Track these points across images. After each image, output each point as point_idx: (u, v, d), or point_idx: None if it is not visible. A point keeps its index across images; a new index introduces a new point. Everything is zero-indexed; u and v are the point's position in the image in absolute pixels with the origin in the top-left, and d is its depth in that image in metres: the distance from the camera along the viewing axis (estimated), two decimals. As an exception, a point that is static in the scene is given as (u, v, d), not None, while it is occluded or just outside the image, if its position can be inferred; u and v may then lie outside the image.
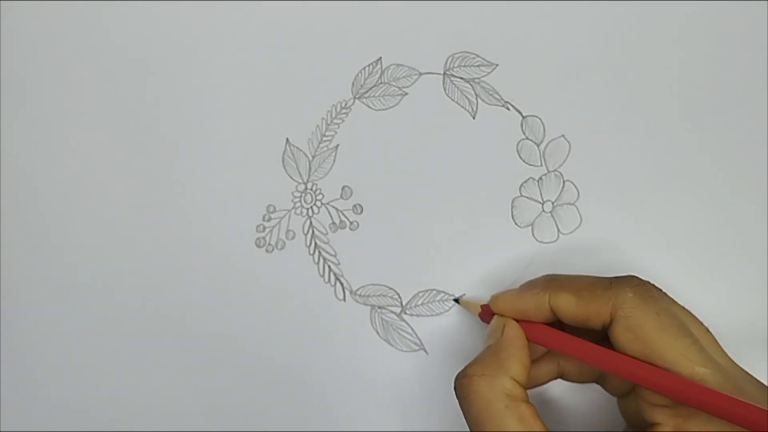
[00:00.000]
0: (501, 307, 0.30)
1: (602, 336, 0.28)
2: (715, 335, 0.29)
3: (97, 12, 0.35)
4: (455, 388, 0.28)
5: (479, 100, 0.34)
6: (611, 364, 0.27)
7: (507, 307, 0.30)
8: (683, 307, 0.29)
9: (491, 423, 0.26)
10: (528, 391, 0.28)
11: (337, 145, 0.34)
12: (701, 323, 0.29)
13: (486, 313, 0.31)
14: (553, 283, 0.29)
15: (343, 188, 0.34)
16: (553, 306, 0.28)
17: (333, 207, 0.34)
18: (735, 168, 0.33)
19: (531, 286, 0.30)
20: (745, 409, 0.24)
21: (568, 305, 0.28)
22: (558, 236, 0.34)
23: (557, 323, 0.29)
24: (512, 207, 0.34)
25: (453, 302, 0.34)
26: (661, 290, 0.29)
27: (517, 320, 0.29)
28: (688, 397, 0.25)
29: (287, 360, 0.34)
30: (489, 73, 0.34)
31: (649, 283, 0.29)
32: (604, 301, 0.27)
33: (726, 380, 0.26)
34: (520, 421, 0.26)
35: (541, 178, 0.34)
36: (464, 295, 0.34)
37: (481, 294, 0.34)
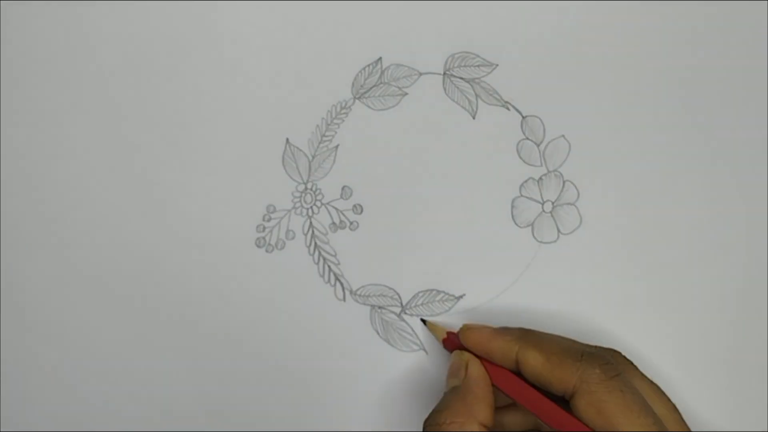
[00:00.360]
0: (469, 341, 0.30)
1: (561, 401, 0.28)
2: (681, 413, 0.29)
3: (96, 12, 0.35)
4: None
5: (479, 100, 0.34)
6: (565, 425, 0.27)
7: (475, 343, 0.30)
8: (652, 383, 0.29)
9: None
10: None
11: (337, 145, 0.34)
12: (668, 400, 0.29)
13: (450, 342, 0.31)
14: (527, 336, 0.29)
15: (343, 188, 0.34)
16: (520, 360, 0.28)
17: (333, 207, 0.34)
18: (735, 167, 0.33)
19: (506, 332, 0.30)
20: None
21: (534, 363, 0.28)
22: (558, 236, 0.34)
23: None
24: (512, 207, 0.34)
25: (421, 320, 0.33)
26: (632, 366, 0.29)
27: (487, 361, 0.29)
28: None
29: (287, 360, 0.34)
30: (489, 73, 0.34)
31: (621, 359, 0.29)
32: (571, 372, 0.27)
33: None
34: None
35: (541, 178, 0.34)
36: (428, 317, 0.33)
37: (481, 295, 0.34)
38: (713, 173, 0.33)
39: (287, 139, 0.34)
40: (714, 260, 0.33)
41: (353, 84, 0.34)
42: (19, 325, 0.36)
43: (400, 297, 0.34)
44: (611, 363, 0.28)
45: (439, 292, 0.34)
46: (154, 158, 0.35)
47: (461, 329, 0.31)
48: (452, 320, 0.33)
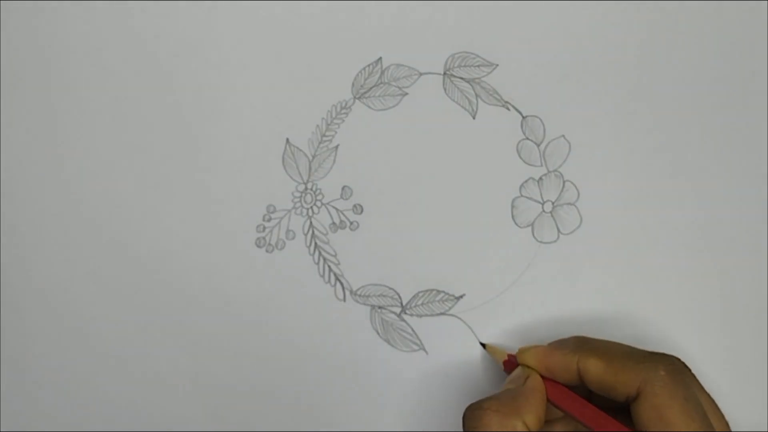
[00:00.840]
0: (528, 361, 0.30)
1: (623, 408, 0.28)
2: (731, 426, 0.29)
3: (97, 13, 0.35)
4: (465, 418, 0.28)
5: (479, 100, 0.34)
6: None
7: (534, 362, 0.29)
8: (710, 396, 0.29)
9: None
10: None
11: (337, 145, 0.34)
12: (722, 416, 0.29)
13: (510, 364, 0.31)
14: (584, 345, 0.29)
15: (343, 188, 0.34)
16: (581, 369, 0.28)
17: (333, 207, 0.34)
18: (735, 167, 0.33)
19: (561, 345, 0.29)
20: None
21: (596, 371, 0.28)
22: (558, 236, 0.34)
23: (580, 387, 0.29)
24: (512, 207, 0.34)
25: (480, 345, 0.33)
26: (692, 374, 0.29)
27: (544, 378, 0.29)
28: None
29: (287, 360, 0.34)
30: (489, 73, 0.34)
31: (682, 366, 0.28)
32: (635, 375, 0.27)
33: None
34: None
35: (541, 178, 0.34)
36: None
37: (481, 295, 0.34)
38: (713, 173, 0.33)
39: (287, 139, 0.34)
40: (714, 260, 0.33)
41: (353, 84, 0.34)
42: (19, 325, 0.36)
43: (400, 297, 0.34)
44: (676, 367, 0.27)
45: (439, 292, 0.34)
46: (154, 158, 0.35)
47: (519, 351, 0.30)
48: (509, 342, 0.33)
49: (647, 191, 0.34)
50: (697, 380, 0.29)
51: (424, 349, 0.34)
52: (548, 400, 0.29)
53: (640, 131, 0.34)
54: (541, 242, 0.34)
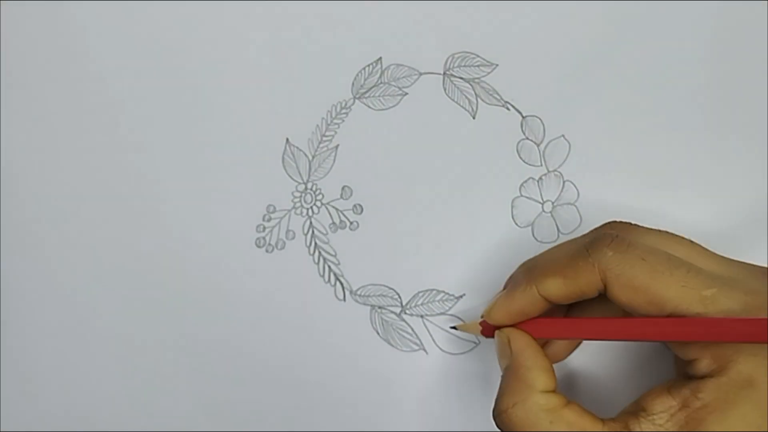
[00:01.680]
0: (496, 317, 0.29)
1: (602, 299, 0.27)
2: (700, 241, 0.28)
3: (96, 12, 0.34)
4: (498, 426, 0.27)
5: (479, 100, 0.34)
6: (621, 332, 0.27)
7: (502, 314, 0.29)
8: (661, 231, 0.28)
9: None
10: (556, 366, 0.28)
11: (337, 145, 0.34)
12: (683, 239, 0.28)
13: (487, 329, 0.30)
14: (533, 272, 0.28)
15: (343, 188, 0.34)
16: (544, 295, 0.28)
17: (333, 207, 0.34)
18: (735, 168, 0.33)
19: (515, 284, 0.29)
20: (750, 324, 0.24)
21: (557, 289, 0.27)
22: (558, 236, 0.34)
23: (558, 307, 0.29)
24: (512, 207, 0.34)
25: (451, 328, 0.33)
26: (634, 226, 0.28)
27: (522, 323, 0.29)
28: (703, 334, 0.25)
29: (287, 360, 0.34)
30: (489, 73, 0.34)
31: (621, 227, 0.28)
32: (590, 270, 0.26)
33: (735, 289, 0.25)
34: (570, 427, 0.26)
35: (541, 178, 0.34)
36: (457, 325, 0.33)
37: (481, 295, 0.34)
38: (713, 173, 0.33)
39: (287, 139, 0.34)
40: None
41: (353, 84, 0.34)
42: (19, 325, 0.36)
43: (400, 297, 0.34)
44: (616, 236, 0.27)
45: (439, 292, 0.34)
46: (154, 158, 0.35)
47: (484, 314, 0.30)
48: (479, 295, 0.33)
49: (647, 191, 0.33)
50: (641, 228, 0.28)
51: (424, 349, 0.34)
52: (543, 337, 0.29)
53: (640, 131, 0.34)
54: (541, 242, 0.34)
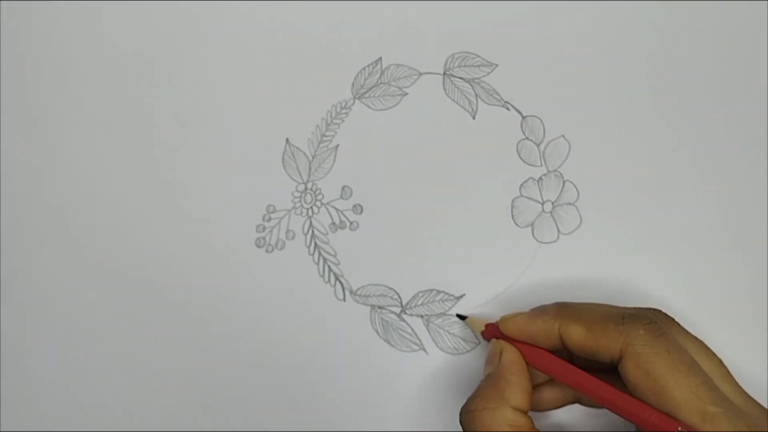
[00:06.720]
0: (510, 330, 0.29)
1: (611, 368, 0.28)
2: (729, 369, 0.28)
3: (97, 12, 0.35)
4: (461, 423, 0.28)
5: (479, 100, 0.34)
6: (611, 401, 0.27)
7: (516, 330, 0.29)
8: (696, 339, 0.29)
9: None
10: (545, 414, 0.28)
11: (337, 145, 0.34)
12: (714, 356, 0.29)
13: (489, 332, 0.31)
14: (564, 311, 0.29)
15: (343, 188, 0.34)
16: (563, 335, 0.28)
17: (333, 207, 0.34)
18: (735, 168, 0.33)
19: (542, 311, 0.29)
20: None
21: (578, 336, 0.28)
22: (558, 236, 0.34)
23: (565, 351, 0.29)
24: (512, 207, 0.34)
25: (456, 317, 0.33)
26: (675, 323, 0.29)
27: (523, 343, 0.29)
28: None
29: (287, 360, 0.34)
30: (489, 73, 0.34)
31: (663, 317, 0.28)
32: (615, 337, 0.27)
33: (738, 419, 0.25)
34: None
35: (541, 178, 0.34)
36: (466, 316, 0.33)
37: (481, 296, 0.34)
38: (713, 173, 0.33)
39: (287, 139, 0.34)
40: (714, 260, 0.33)
41: (353, 84, 0.34)
42: (19, 325, 0.36)
43: (400, 297, 0.34)
44: (654, 322, 0.27)
45: (439, 292, 0.34)
46: (154, 158, 0.35)
47: (501, 320, 0.30)
48: (490, 311, 0.33)
49: (647, 191, 0.34)
50: (681, 327, 0.29)
51: (424, 349, 0.34)
52: (533, 365, 0.29)
53: (640, 131, 0.34)
54: (541, 242, 0.34)
